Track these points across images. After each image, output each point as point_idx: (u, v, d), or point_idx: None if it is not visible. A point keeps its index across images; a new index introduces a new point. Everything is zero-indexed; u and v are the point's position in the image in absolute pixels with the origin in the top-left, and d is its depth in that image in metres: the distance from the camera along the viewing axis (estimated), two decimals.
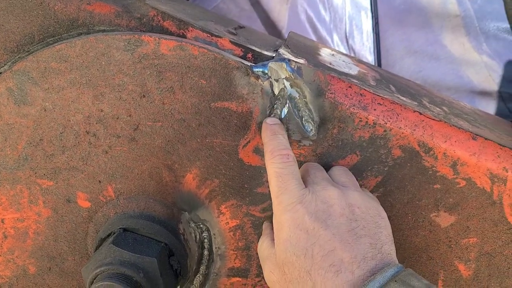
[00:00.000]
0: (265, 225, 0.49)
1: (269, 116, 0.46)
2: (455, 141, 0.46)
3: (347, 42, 0.92)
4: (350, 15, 0.91)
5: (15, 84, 0.47)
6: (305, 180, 0.44)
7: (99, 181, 0.51)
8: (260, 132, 0.47)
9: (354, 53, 0.93)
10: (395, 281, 0.35)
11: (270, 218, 0.51)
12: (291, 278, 0.39)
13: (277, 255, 0.41)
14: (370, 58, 0.92)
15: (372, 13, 0.92)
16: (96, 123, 0.48)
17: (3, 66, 0.49)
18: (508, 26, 0.59)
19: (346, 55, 0.62)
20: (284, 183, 0.42)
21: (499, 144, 0.47)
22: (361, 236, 0.39)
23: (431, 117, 0.46)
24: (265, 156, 0.44)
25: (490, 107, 0.82)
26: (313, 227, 0.39)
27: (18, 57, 0.49)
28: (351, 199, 0.41)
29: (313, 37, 0.92)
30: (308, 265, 0.38)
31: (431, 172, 0.47)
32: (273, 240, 0.43)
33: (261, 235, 0.52)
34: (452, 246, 0.50)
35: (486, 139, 0.47)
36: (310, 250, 0.38)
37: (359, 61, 0.61)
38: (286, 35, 0.82)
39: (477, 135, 0.47)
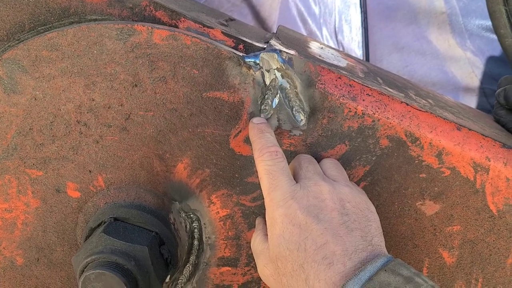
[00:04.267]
0: (258, 220, 0.50)
1: (260, 105, 0.47)
2: (441, 131, 0.47)
3: (336, 36, 0.93)
4: (339, 10, 0.92)
5: (4, 72, 0.47)
6: (297, 173, 0.45)
7: (90, 171, 0.51)
8: None
9: (343, 47, 0.94)
10: (385, 270, 0.37)
11: (260, 208, 0.52)
12: (284, 272, 0.40)
13: (270, 250, 0.42)
14: (358, 52, 0.94)
15: (361, 8, 0.94)
16: (87, 113, 0.48)
17: None
18: (491, 24, 0.61)
19: (334, 49, 0.63)
20: (275, 180, 0.43)
21: (482, 134, 0.48)
22: (352, 230, 0.40)
23: (417, 108, 0.48)
24: (254, 154, 0.45)
25: (472, 102, 0.84)
26: (305, 221, 0.40)
27: (8, 46, 0.49)
28: (342, 194, 0.42)
29: (303, 31, 0.93)
30: (301, 258, 0.39)
31: (417, 161, 0.48)
32: (266, 235, 0.44)
33: (251, 224, 0.52)
34: (436, 234, 0.51)
35: (470, 129, 0.48)
36: (303, 244, 0.39)
37: (347, 55, 0.62)
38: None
39: (462, 125, 0.48)
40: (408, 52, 0.86)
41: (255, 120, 0.47)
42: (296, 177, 0.45)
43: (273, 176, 0.43)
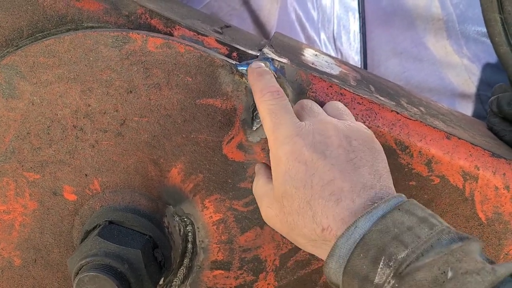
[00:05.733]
0: (258, 166, 0.49)
1: (253, 115, 0.48)
2: (430, 140, 0.48)
3: (334, 42, 0.94)
4: (338, 15, 0.93)
5: (3, 78, 0.48)
6: (300, 115, 0.44)
7: (86, 175, 0.52)
8: (244, 129, 0.49)
9: (341, 53, 0.95)
10: (399, 209, 0.35)
11: (253, 213, 0.53)
12: (290, 210, 0.39)
13: (275, 189, 0.41)
14: (356, 58, 0.94)
15: (359, 14, 0.94)
16: (83, 118, 0.49)
17: None
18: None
19: (329, 55, 0.63)
20: (278, 118, 0.41)
21: (471, 143, 0.49)
22: (359, 167, 0.39)
23: (407, 117, 0.48)
24: (254, 96, 0.44)
25: (469, 108, 0.85)
26: (311, 158, 0.39)
27: (7, 51, 0.50)
28: (348, 131, 0.41)
29: (302, 37, 0.94)
30: (307, 195, 0.38)
31: (407, 169, 0.49)
32: (269, 177, 0.44)
33: (243, 229, 0.53)
34: None
35: (459, 138, 0.49)
36: (309, 181, 0.38)
37: (342, 62, 0.62)
38: None
39: (451, 134, 0.49)
40: (405, 58, 0.87)
41: (254, 65, 0.46)
42: (300, 118, 0.43)
43: (276, 115, 0.41)
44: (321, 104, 0.47)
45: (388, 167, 0.41)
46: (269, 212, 0.43)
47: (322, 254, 0.39)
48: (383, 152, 0.42)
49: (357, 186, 0.37)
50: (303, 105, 0.45)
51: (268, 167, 0.48)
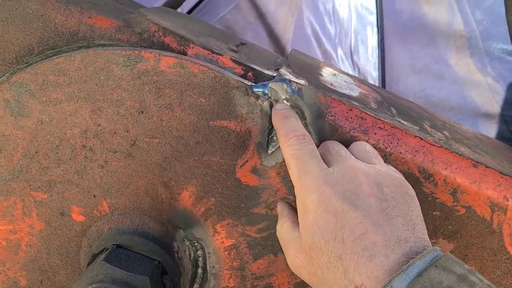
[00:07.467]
0: (281, 207, 0.46)
1: (268, 138, 0.46)
2: (456, 168, 0.45)
3: (352, 57, 0.92)
4: (355, 30, 0.91)
5: (12, 95, 0.47)
6: (326, 159, 0.42)
7: (94, 196, 0.50)
8: (258, 152, 0.47)
9: (359, 68, 0.93)
10: (435, 266, 0.33)
11: (266, 239, 0.50)
12: (319, 264, 0.37)
13: (302, 240, 0.39)
14: (374, 74, 0.92)
15: (378, 29, 0.92)
16: (93, 138, 0.48)
17: (1, 77, 0.49)
18: None
19: (348, 74, 0.61)
20: (304, 164, 0.39)
21: (500, 172, 0.46)
22: (393, 217, 0.36)
23: (432, 143, 0.46)
24: (279, 140, 0.42)
25: (492, 129, 0.81)
26: (341, 209, 0.36)
27: (17, 69, 0.49)
28: (379, 177, 0.39)
29: (318, 52, 0.92)
30: (338, 250, 0.36)
31: (430, 198, 0.46)
32: (294, 222, 0.42)
33: (256, 255, 0.51)
34: None
35: (487, 167, 0.46)
36: (340, 233, 0.36)
37: (361, 81, 0.60)
38: (290, 49, 0.82)
39: (478, 162, 0.46)
40: (426, 75, 0.84)
41: (278, 106, 0.44)
42: (326, 163, 0.41)
43: (302, 161, 0.39)
44: (345, 139, 0.44)
45: (421, 215, 0.38)
46: (296, 262, 0.40)
47: None
48: (416, 197, 0.39)
49: (391, 240, 0.35)
50: (329, 148, 0.43)
51: (292, 207, 0.45)
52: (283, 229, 0.43)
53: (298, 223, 0.40)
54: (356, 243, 0.35)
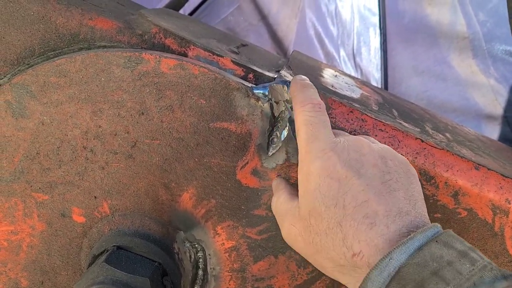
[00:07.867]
0: (277, 181, 0.46)
1: (269, 140, 0.46)
2: (457, 171, 0.45)
3: (354, 58, 0.92)
4: (358, 31, 0.91)
5: (13, 97, 0.47)
6: (334, 132, 0.42)
7: (95, 197, 0.50)
8: (259, 154, 0.47)
9: (361, 69, 0.92)
10: (436, 241, 0.33)
11: (267, 241, 0.50)
12: (318, 230, 0.36)
13: (301, 207, 0.38)
14: (377, 75, 0.92)
15: (380, 30, 0.92)
16: (94, 139, 0.48)
17: (2, 78, 0.49)
18: None
19: (349, 76, 0.61)
20: (315, 131, 0.39)
21: (502, 174, 0.46)
22: (395, 190, 0.36)
23: (433, 145, 0.45)
24: (294, 107, 0.42)
25: (495, 131, 0.81)
26: (345, 175, 0.36)
27: (18, 70, 0.49)
28: (384, 152, 0.39)
29: (320, 53, 0.91)
30: (339, 216, 0.35)
31: (432, 201, 0.46)
32: (291, 194, 0.42)
33: (257, 257, 0.51)
34: None
35: (489, 169, 0.45)
36: (342, 199, 0.36)
37: (363, 83, 0.60)
38: (293, 50, 0.81)
39: (480, 164, 0.45)
40: (428, 76, 0.84)
41: (298, 77, 0.44)
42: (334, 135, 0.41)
43: (313, 127, 0.39)
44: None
45: (422, 193, 0.38)
46: (292, 231, 0.40)
47: (349, 281, 0.36)
48: (417, 176, 0.39)
49: (392, 210, 0.35)
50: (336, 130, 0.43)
51: (288, 183, 0.45)
52: (279, 202, 0.42)
53: (296, 195, 0.40)
54: (357, 210, 0.35)
